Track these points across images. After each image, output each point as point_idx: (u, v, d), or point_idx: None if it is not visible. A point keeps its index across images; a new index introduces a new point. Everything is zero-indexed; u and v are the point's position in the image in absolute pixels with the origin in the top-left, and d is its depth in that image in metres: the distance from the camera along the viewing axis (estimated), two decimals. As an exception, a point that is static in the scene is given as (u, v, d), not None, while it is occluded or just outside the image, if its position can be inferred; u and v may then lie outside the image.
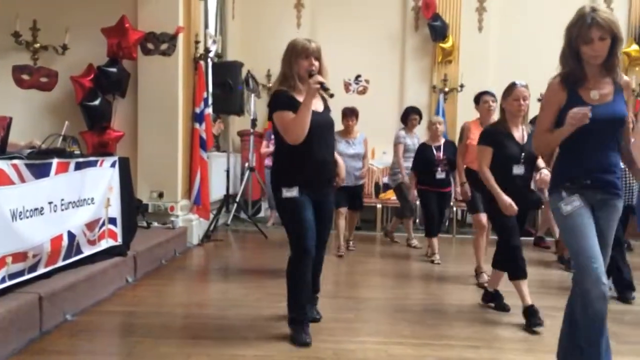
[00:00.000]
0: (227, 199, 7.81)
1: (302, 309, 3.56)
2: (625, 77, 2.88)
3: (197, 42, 6.87)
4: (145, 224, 6.16)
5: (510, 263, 4.13)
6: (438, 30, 9.10)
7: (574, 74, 2.78)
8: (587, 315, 2.68)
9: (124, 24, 6.20)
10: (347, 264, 6.11)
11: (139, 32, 6.33)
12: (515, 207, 3.97)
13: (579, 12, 2.73)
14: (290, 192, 3.49)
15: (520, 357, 3.48)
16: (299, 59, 3.47)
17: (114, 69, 6.27)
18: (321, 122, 3.51)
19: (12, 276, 3.44)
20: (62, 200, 3.99)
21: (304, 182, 3.50)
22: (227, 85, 7.00)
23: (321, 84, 3.36)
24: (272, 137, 4.90)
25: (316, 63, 3.46)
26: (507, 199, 3.98)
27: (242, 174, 8.80)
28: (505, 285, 4.38)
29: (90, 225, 4.41)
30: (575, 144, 2.80)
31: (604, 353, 2.76)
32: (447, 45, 9.21)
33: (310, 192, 3.54)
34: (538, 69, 8.58)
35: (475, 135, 5.02)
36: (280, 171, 3.58)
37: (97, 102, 6.26)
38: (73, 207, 4.14)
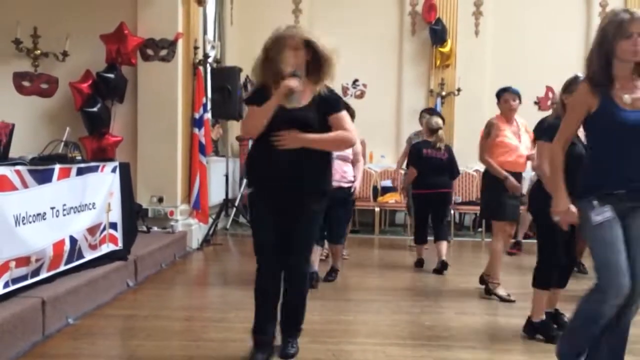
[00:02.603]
0: (226, 204, 7.86)
1: (259, 325, 3.26)
2: None
3: (196, 48, 6.92)
4: (145, 229, 6.20)
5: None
6: (438, 34, 9.16)
7: (597, 76, 2.67)
8: (595, 319, 2.72)
9: (123, 30, 6.25)
10: (346, 267, 6.16)
11: (138, 38, 6.38)
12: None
13: (613, 11, 2.70)
14: (249, 190, 3.29)
15: (517, 358, 3.53)
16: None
17: (112, 75, 6.32)
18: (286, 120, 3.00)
19: (15, 280, 3.49)
20: (64, 205, 4.05)
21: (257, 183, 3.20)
22: (225, 90, 7.05)
23: (291, 91, 2.92)
24: None
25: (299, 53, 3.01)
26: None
27: (241, 179, 8.84)
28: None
29: (92, 230, 4.45)
30: (608, 151, 2.70)
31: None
32: (445, 49, 9.28)
33: (268, 200, 3.14)
34: (534, 73, 8.76)
35: (507, 132, 4.80)
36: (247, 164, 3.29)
37: (96, 108, 6.31)
38: (75, 212, 4.19)
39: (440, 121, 6.21)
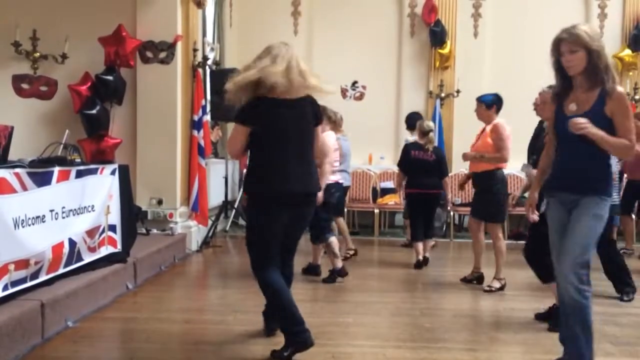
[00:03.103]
0: (226, 205, 7.86)
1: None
2: (618, 88, 2.96)
3: (195, 50, 6.92)
4: (144, 231, 6.20)
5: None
6: (438, 36, 9.17)
7: (557, 87, 3.17)
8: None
9: (121, 32, 6.25)
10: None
11: (136, 40, 6.38)
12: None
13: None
14: None
15: (517, 360, 3.54)
16: None
17: (111, 77, 6.32)
18: None
19: (14, 283, 3.49)
20: (64, 207, 4.04)
21: None
22: (225, 92, 7.03)
23: None
24: None
25: None
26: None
27: (240, 181, 8.85)
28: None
29: (91, 233, 4.45)
30: (556, 152, 3.20)
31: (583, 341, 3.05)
32: (444, 50, 9.28)
33: None
34: (532, 74, 8.74)
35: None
36: None
37: (95, 111, 6.31)
38: (74, 214, 4.19)
39: (431, 124, 6.56)
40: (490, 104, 5.25)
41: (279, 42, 3.42)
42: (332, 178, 5.22)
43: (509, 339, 3.88)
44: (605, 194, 3.03)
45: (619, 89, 2.98)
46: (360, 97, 9.63)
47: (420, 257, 6.17)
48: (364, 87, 9.62)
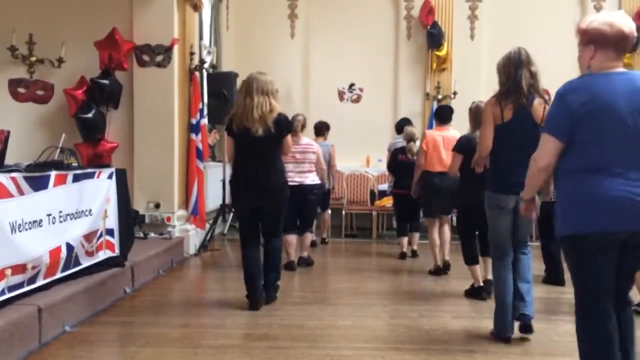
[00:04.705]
0: (223, 209, 7.84)
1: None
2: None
3: (192, 54, 6.92)
4: (142, 235, 6.18)
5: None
6: (435, 38, 9.17)
7: None
8: None
9: (115, 35, 6.24)
10: (343, 272, 6.16)
11: (130, 43, 6.37)
12: None
13: None
14: None
15: (516, 361, 3.52)
16: None
17: (106, 81, 6.31)
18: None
19: (11, 288, 3.47)
20: (61, 212, 4.03)
21: None
22: (222, 95, 7.04)
23: None
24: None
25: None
26: None
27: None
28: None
29: (88, 237, 4.43)
30: None
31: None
32: (441, 52, 9.29)
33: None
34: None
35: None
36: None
37: (90, 114, 6.29)
38: (71, 218, 4.17)
39: (414, 131, 6.85)
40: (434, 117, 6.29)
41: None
42: None
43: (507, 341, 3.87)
44: (488, 188, 3.79)
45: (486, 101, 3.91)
46: (357, 100, 9.62)
47: (405, 250, 6.84)
48: (361, 90, 9.62)
